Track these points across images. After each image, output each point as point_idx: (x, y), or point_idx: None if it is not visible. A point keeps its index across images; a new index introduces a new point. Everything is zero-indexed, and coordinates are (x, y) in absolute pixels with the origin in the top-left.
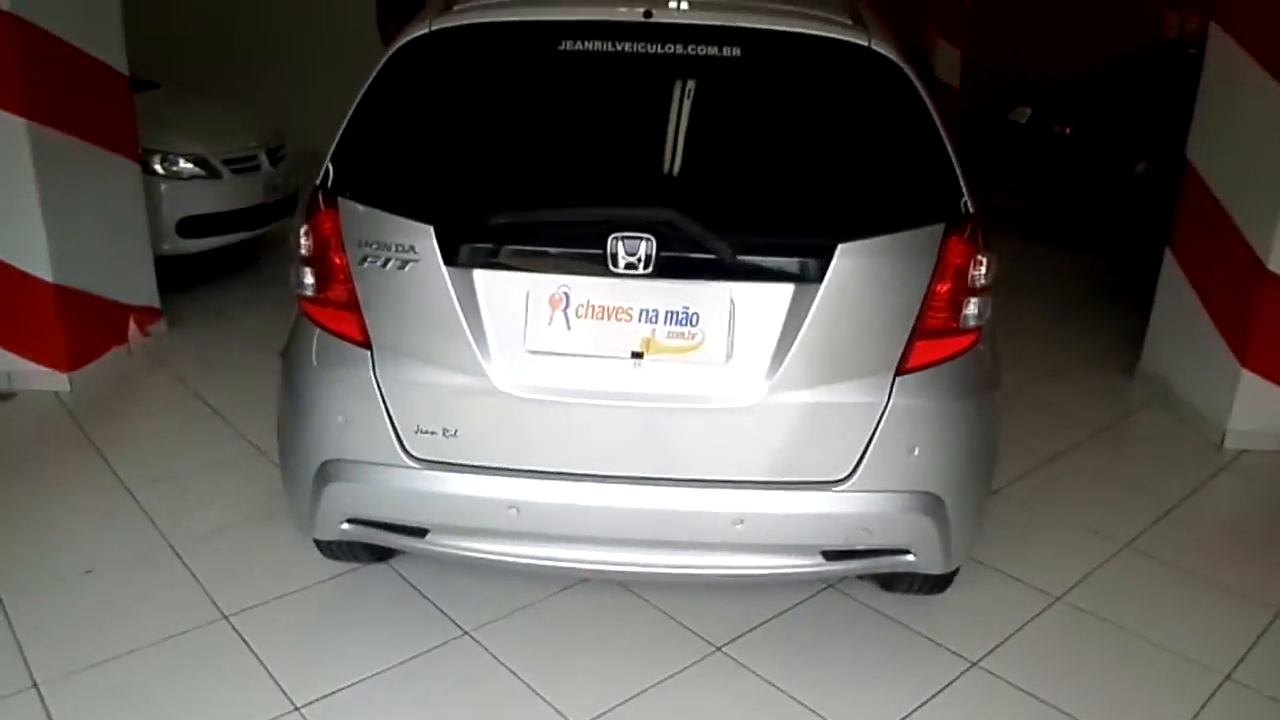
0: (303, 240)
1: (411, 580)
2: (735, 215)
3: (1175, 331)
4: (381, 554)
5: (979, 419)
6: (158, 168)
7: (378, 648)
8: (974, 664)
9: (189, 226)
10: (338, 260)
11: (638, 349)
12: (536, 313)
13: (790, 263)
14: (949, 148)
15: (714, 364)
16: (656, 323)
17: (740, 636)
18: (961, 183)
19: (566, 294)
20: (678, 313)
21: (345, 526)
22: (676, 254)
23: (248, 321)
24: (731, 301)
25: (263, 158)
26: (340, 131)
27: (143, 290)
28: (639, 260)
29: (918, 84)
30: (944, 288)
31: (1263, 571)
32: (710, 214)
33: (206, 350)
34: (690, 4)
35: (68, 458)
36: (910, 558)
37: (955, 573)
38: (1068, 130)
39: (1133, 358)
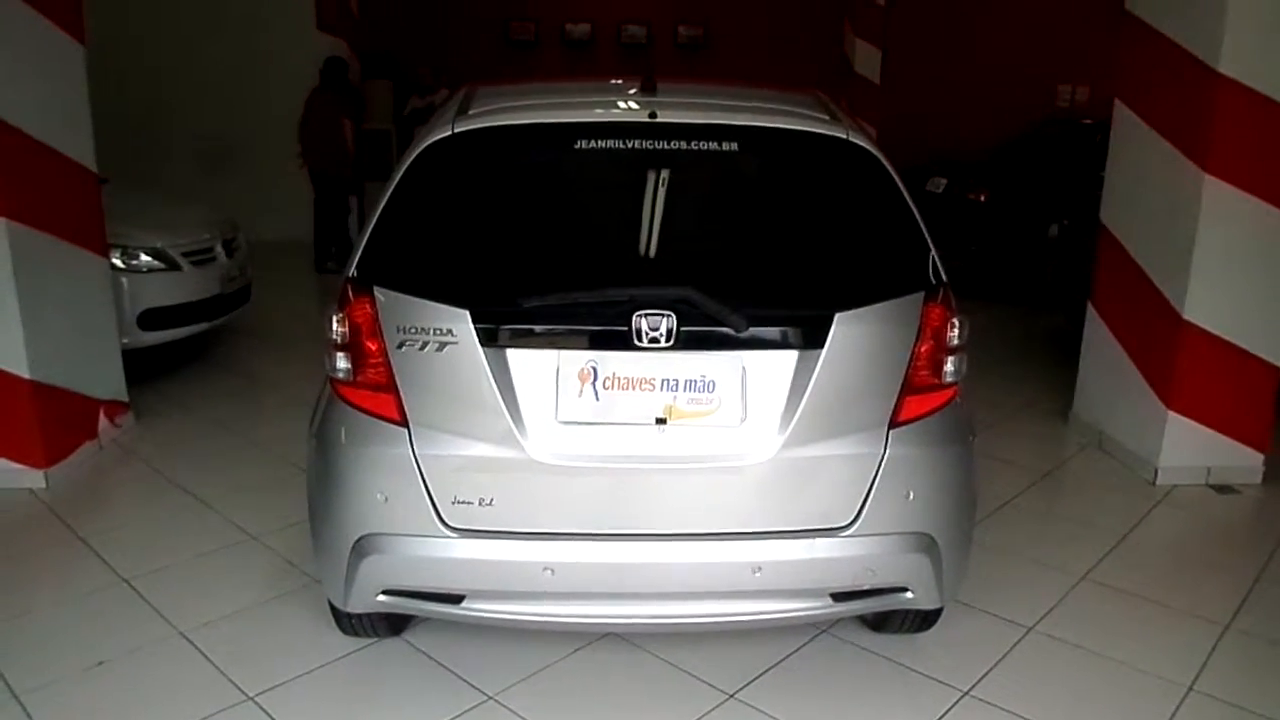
0: (335, 328)
1: (427, 651)
2: (743, 292)
3: (1103, 379)
4: (397, 627)
5: (962, 464)
6: (118, 261)
7: (410, 717)
8: (965, 693)
9: (149, 319)
10: (373, 345)
11: (661, 415)
12: (567, 386)
13: (794, 332)
14: (921, 224)
15: (731, 426)
16: (677, 391)
17: (750, 683)
18: (934, 254)
19: (594, 368)
20: (696, 381)
21: (381, 598)
22: (693, 328)
23: (211, 411)
24: (743, 369)
25: (219, 249)
26: (370, 227)
27: (111, 383)
28: (661, 335)
29: (890, 169)
30: (926, 348)
31: (1205, 593)
32: (721, 291)
33: (176, 441)
34: (687, 106)
35: (59, 554)
36: (908, 595)
37: (940, 611)
38: (982, 198)
39: (1064, 404)
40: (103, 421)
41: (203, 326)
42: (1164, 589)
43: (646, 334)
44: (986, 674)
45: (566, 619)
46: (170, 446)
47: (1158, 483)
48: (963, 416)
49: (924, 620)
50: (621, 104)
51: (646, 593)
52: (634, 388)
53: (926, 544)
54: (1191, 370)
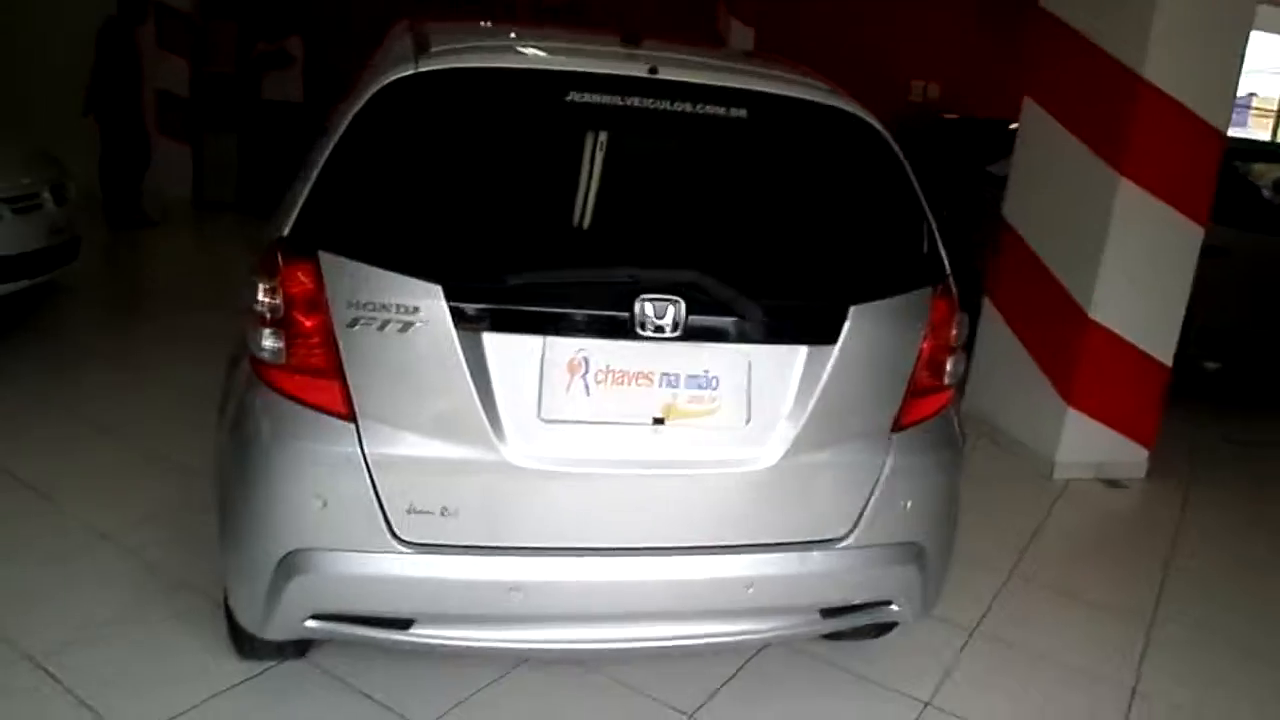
0: (263, 299)
1: (339, 675)
2: (751, 277)
3: (998, 374)
4: (302, 647)
5: (955, 470)
6: None
7: None
8: (927, 704)
9: None
10: (311, 322)
11: (659, 415)
12: (553, 379)
13: (806, 325)
14: (928, 211)
15: (733, 428)
16: (678, 387)
17: (707, 701)
18: (940, 243)
19: (586, 359)
20: (698, 376)
21: (310, 623)
22: (698, 317)
23: (32, 381)
24: (749, 364)
25: (46, 196)
26: (313, 178)
27: None
28: (667, 324)
29: (899, 151)
30: (930, 346)
31: (1120, 585)
32: (726, 275)
33: None
34: (688, 64)
35: None
36: (894, 608)
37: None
38: None
39: None
40: None
41: (24, 284)
42: (1082, 583)
43: (650, 322)
44: (942, 682)
45: (532, 645)
46: None
47: (1054, 477)
48: (956, 420)
49: (882, 628)
50: (613, 56)
51: (625, 614)
52: (630, 382)
53: (917, 553)
54: (1094, 369)
